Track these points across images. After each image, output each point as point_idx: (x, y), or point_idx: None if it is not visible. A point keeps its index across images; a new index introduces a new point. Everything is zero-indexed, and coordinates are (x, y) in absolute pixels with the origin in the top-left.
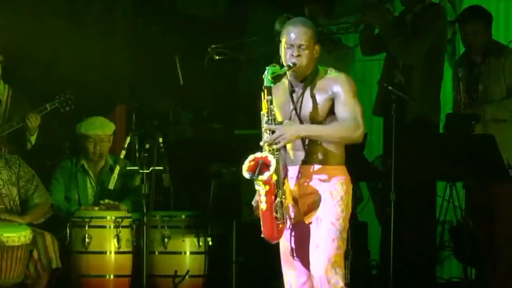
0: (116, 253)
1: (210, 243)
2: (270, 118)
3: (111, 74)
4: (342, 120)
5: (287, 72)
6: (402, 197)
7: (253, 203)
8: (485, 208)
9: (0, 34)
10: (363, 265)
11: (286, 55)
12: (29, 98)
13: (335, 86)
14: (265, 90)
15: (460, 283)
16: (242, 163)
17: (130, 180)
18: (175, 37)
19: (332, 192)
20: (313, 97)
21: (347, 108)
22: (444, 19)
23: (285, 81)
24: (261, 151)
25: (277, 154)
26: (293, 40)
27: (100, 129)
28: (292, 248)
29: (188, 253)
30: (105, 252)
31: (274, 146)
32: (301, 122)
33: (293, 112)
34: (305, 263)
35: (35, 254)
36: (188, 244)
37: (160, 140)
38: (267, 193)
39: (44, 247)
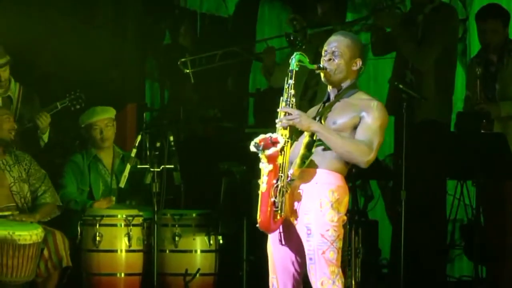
0: (127, 251)
1: (221, 241)
2: (288, 102)
3: (121, 72)
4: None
5: (322, 77)
6: (412, 196)
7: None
8: (496, 206)
9: (10, 33)
10: (374, 263)
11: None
12: (39, 97)
13: (366, 109)
14: (289, 74)
15: (471, 282)
16: (253, 162)
17: (141, 178)
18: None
19: (322, 200)
20: (342, 110)
21: (368, 133)
22: (456, 20)
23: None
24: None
25: (288, 139)
26: (329, 46)
27: (102, 114)
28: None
29: (199, 251)
30: (115, 251)
31: (287, 122)
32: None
33: (318, 117)
34: (289, 263)
35: (45, 252)
36: (199, 243)
37: (171, 138)
38: (269, 173)
39: (55, 245)
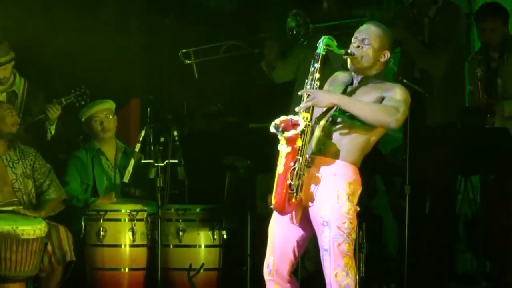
0: (131, 246)
1: (225, 236)
2: (312, 85)
3: (125, 67)
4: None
5: (349, 63)
6: (417, 191)
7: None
8: (500, 201)
9: (14, 28)
10: (378, 258)
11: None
12: (44, 92)
13: (390, 89)
14: (315, 57)
15: (475, 277)
16: (257, 156)
17: (145, 173)
18: (188, 30)
19: (339, 192)
20: (367, 92)
21: (393, 101)
22: (462, 18)
23: (348, 76)
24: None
25: (310, 122)
26: (359, 33)
27: (101, 105)
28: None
29: (203, 246)
30: (120, 245)
31: (306, 104)
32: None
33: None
34: (291, 248)
35: (49, 247)
36: (203, 237)
37: (175, 133)
38: (287, 155)
39: (59, 240)
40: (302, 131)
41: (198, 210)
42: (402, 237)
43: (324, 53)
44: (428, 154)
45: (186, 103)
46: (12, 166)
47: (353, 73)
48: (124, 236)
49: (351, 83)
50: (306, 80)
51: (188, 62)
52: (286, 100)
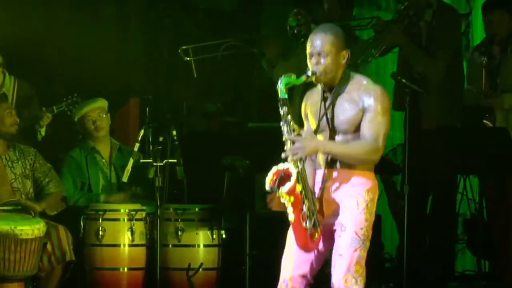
0: (129, 246)
1: (224, 236)
2: (288, 129)
3: (125, 67)
4: (363, 139)
5: (315, 81)
6: (416, 190)
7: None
8: (499, 201)
9: (13, 28)
10: (377, 258)
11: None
12: (43, 92)
13: (368, 100)
14: (280, 102)
15: (474, 276)
16: (256, 156)
17: (144, 172)
18: (188, 29)
19: (358, 199)
20: (344, 107)
21: (372, 126)
22: (459, 21)
23: (318, 91)
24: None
25: (300, 164)
26: (312, 48)
27: (93, 104)
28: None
29: (201, 246)
30: (118, 245)
31: (293, 158)
32: (332, 130)
33: (323, 120)
34: (311, 265)
35: (48, 246)
36: (202, 237)
37: (174, 133)
38: (293, 204)
39: (58, 239)
40: (297, 176)
41: (197, 209)
42: (401, 237)
43: (286, 96)
44: (427, 154)
45: (185, 103)
46: (11, 166)
47: (322, 86)
48: (123, 236)
49: (324, 99)
50: (282, 123)
51: (188, 59)
52: None
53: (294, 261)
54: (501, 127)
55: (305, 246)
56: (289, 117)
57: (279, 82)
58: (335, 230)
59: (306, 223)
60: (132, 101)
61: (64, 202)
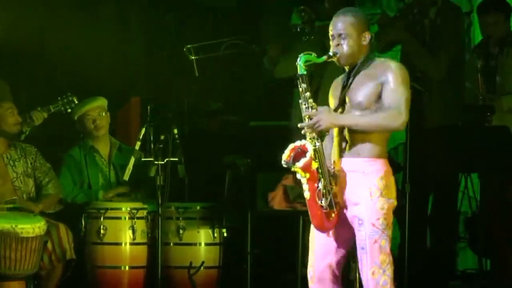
0: (131, 244)
1: (225, 234)
2: (307, 105)
3: (126, 65)
4: (385, 108)
5: (337, 63)
6: (418, 189)
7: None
8: (500, 199)
9: (14, 26)
10: None
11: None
12: (43, 92)
13: (385, 73)
14: (299, 79)
15: (475, 275)
16: (257, 155)
17: (145, 171)
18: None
19: (371, 189)
20: (362, 84)
21: (393, 95)
22: (462, 20)
23: (343, 76)
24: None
25: (318, 141)
26: (333, 30)
27: (93, 102)
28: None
29: (203, 244)
30: (120, 244)
31: (310, 134)
32: (350, 106)
33: (342, 97)
34: (335, 254)
35: (49, 245)
36: (203, 236)
37: (175, 131)
38: (308, 181)
39: (59, 238)
40: (314, 153)
41: (198, 208)
42: (402, 236)
43: (305, 72)
44: (428, 153)
45: (186, 101)
46: (13, 165)
47: (346, 69)
48: (124, 234)
49: (348, 78)
50: (300, 101)
51: (192, 57)
52: (286, 98)
53: (316, 252)
54: (502, 125)
55: (320, 225)
56: (307, 94)
57: (298, 59)
58: (353, 222)
59: (321, 201)
60: (133, 100)
61: (61, 203)
